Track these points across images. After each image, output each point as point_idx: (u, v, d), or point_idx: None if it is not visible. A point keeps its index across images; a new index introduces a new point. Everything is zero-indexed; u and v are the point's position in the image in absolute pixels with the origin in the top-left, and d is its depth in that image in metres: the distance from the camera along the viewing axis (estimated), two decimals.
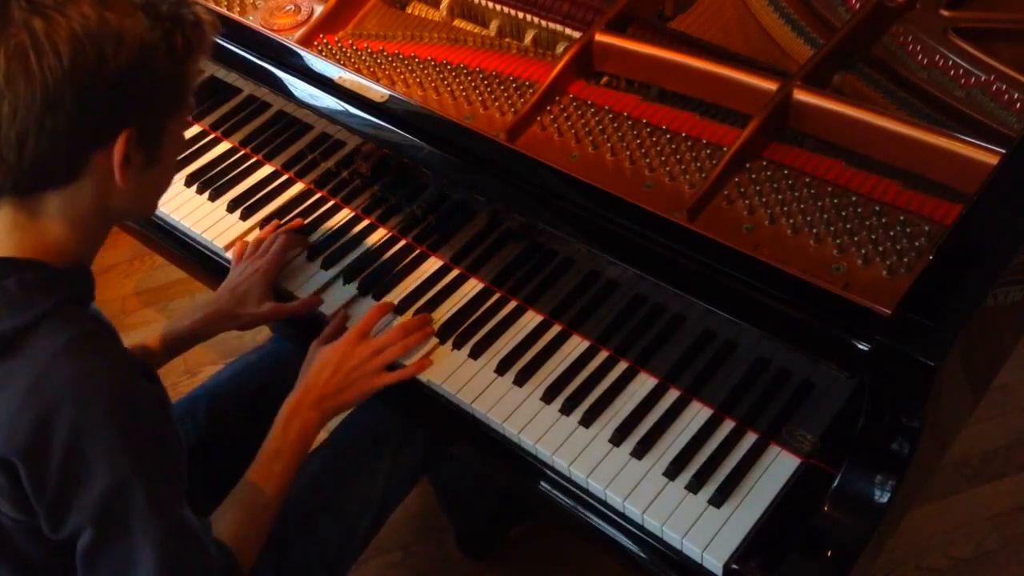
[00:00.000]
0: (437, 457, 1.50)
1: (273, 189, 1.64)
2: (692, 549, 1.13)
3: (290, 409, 1.26)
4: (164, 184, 1.12)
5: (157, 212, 1.65)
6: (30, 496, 0.96)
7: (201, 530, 1.04)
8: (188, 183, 1.67)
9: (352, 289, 1.46)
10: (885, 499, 1.07)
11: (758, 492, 1.16)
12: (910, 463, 1.07)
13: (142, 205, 1.11)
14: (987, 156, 1.16)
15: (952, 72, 1.32)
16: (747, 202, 1.24)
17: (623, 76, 1.43)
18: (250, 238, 1.56)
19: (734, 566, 1.10)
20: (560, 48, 1.48)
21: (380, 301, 1.43)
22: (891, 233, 1.17)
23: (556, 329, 1.36)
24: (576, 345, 1.34)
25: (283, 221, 1.57)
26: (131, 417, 0.98)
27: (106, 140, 0.97)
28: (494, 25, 1.56)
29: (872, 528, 1.08)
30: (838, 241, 1.17)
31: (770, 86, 1.29)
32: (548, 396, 1.28)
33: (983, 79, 1.29)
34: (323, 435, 1.43)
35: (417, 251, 1.50)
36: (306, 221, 1.57)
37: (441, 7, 1.61)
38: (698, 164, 1.29)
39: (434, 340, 1.37)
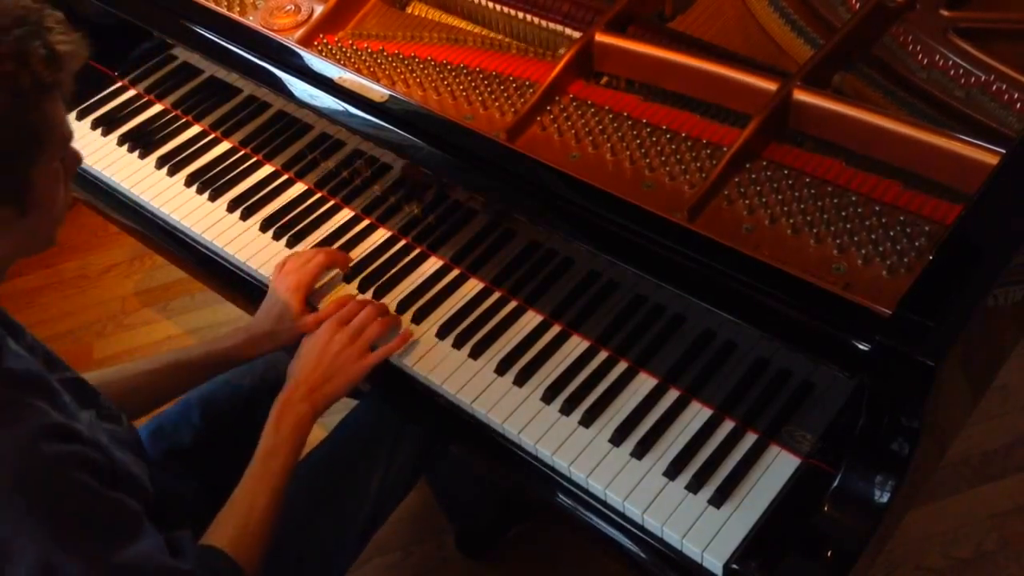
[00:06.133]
0: (433, 457, 1.50)
1: (273, 189, 1.64)
2: (692, 549, 1.13)
3: (281, 405, 1.26)
4: (54, 221, 1.02)
5: (157, 212, 1.65)
6: None
7: (158, 557, 0.98)
8: (188, 183, 1.67)
9: (352, 289, 1.46)
10: (885, 499, 1.07)
11: (758, 492, 1.16)
12: (910, 463, 1.07)
13: (33, 247, 1.02)
14: (987, 156, 1.16)
15: (952, 72, 1.32)
16: (747, 202, 1.24)
17: (623, 76, 1.43)
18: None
19: (734, 566, 1.10)
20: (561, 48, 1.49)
21: (378, 301, 1.43)
22: (891, 233, 1.17)
23: (556, 329, 1.36)
24: (576, 345, 1.34)
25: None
26: (42, 486, 0.91)
27: None
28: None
29: (872, 528, 1.08)
30: (838, 241, 1.17)
31: (770, 86, 1.29)
32: (548, 396, 1.28)
33: (983, 79, 1.29)
34: (321, 436, 1.43)
35: (417, 251, 1.50)
36: (306, 222, 1.57)
37: None
38: (698, 164, 1.29)
39: (434, 339, 1.37)
